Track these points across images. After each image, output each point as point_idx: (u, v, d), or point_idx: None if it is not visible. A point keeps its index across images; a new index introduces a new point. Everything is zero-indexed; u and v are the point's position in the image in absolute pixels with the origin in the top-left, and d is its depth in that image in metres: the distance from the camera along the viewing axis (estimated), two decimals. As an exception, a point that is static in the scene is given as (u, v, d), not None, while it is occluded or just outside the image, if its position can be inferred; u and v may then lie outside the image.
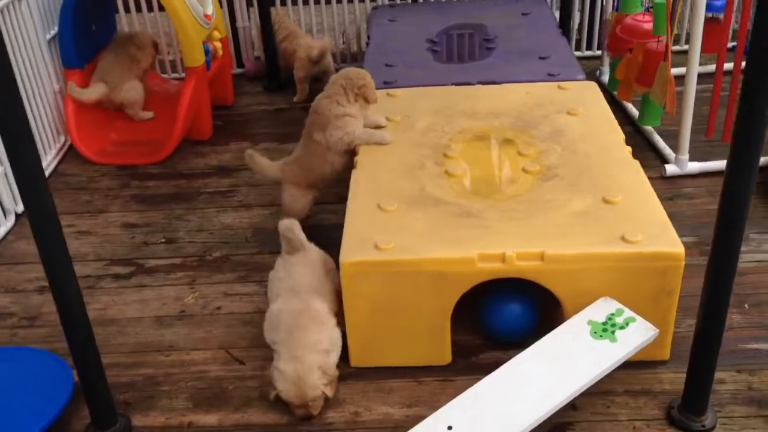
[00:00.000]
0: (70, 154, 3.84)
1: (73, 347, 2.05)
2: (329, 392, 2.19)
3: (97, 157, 3.75)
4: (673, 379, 2.25)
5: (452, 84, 3.37)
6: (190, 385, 2.39)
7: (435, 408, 2.18)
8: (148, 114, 3.95)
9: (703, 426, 2.09)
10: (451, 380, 2.35)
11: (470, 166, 2.72)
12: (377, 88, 3.29)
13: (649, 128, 3.63)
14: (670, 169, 3.36)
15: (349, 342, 2.35)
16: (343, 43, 4.65)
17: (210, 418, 2.27)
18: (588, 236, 2.26)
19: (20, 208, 3.32)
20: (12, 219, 3.27)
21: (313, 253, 2.47)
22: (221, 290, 2.81)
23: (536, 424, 1.95)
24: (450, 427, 1.97)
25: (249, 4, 4.48)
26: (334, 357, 2.25)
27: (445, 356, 2.38)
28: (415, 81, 3.41)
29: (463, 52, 3.88)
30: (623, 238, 2.21)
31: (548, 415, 1.96)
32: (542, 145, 2.81)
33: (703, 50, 3.22)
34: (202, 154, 3.80)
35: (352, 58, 4.63)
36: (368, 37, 4.01)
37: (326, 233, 2.78)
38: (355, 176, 2.67)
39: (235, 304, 2.73)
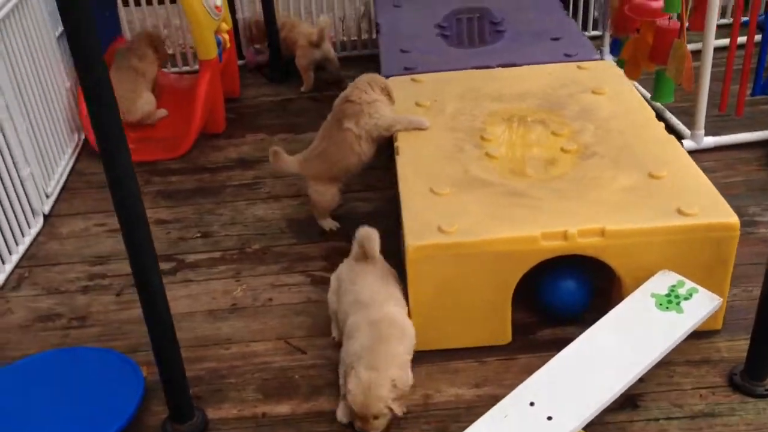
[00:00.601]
0: (85, 151, 3.80)
1: (155, 340, 2.06)
2: (397, 409, 2.12)
3: (114, 154, 3.70)
4: (730, 347, 2.34)
5: (472, 68, 3.40)
6: (257, 377, 2.41)
7: (503, 387, 2.25)
8: (162, 112, 3.91)
9: (767, 390, 2.17)
10: (514, 359, 2.40)
11: (508, 148, 2.77)
12: (398, 75, 3.34)
13: (659, 105, 3.72)
14: (687, 144, 3.45)
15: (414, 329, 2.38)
16: (343, 30, 4.64)
17: (282, 408, 2.29)
18: (643, 211, 2.33)
19: (47, 208, 3.29)
20: (41, 220, 3.24)
21: (380, 260, 2.42)
22: (268, 282, 2.83)
23: (616, 397, 2.01)
24: (532, 403, 2.03)
25: (251, -6, 4.45)
26: (410, 374, 2.19)
27: (505, 335, 2.44)
28: (435, 66, 3.44)
29: (474, 36, 3.93)
30: (679, 211, 2.28)
31: (627, 387, 2.02)
32: (574, 124, 2.87)
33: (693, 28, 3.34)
34: (219, 147, 3.79)
35: (352, 46, 4.63)
36: (377, 24, 4.02)
37: (360, 222, 2.82)
38: (401, 162, 2.70)
39: (284, 295, 2.75)
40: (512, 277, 2.32)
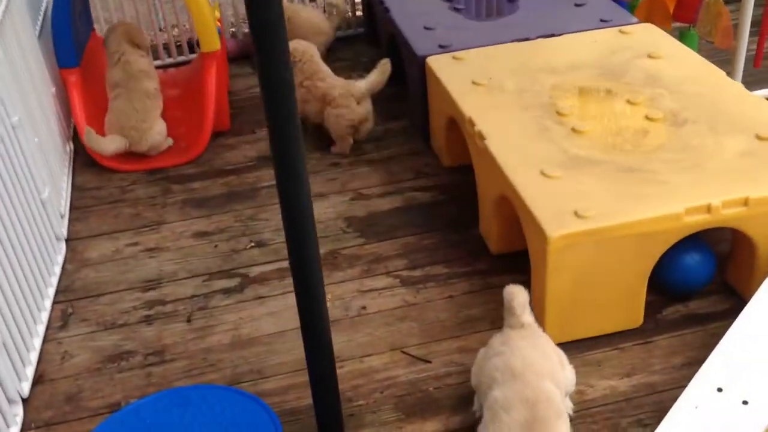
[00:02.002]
0: (78, 162, 3.40)
1: (315, 378, 1.81)
2: None
3: (118, 163, 3.34)
4: None
5: (511, 41, 3.24)
6: (387, 395, 2.19)
7: (655, 373, 2.14)
8: (169, 141, 3.43)
9: None
10: (652, 341, 2.29)
11: (591, 121, 2.64)
12: (435, 53, 3.14)
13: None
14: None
15: (547, 321, 2.23)
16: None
17: (432, 426, 2.09)
18: (773, 176, 2.24)
19: (64, 231, 2.91)
20: (63, 246, 2.85)
21: (542, 334, 2.03)
22: (353, 288, 2.59)
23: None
24: (720, 389, 1.91)
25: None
26: None
27: (638, 318, 2.32)
28: (470, 42, 3.26)
29: (491, 7, 3.74)
30: (814, 173, 2.21)
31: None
32: (646, 91, 2.77)
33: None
34: (231, 146, 3.48)
35: (346, 25, 4.37)
36: (382, 2, 3.78)
37: (384, 221, 2.64)
38: (493, 147, 2.52)
39: (377, 302, 2.53)
40: (652, 257, 2.20)
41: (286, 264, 2.68)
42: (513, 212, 2.53)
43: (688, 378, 2.11)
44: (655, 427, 1.82)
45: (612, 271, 2.19)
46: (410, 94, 3.44)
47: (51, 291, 2.62)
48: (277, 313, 2.51)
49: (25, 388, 2.23)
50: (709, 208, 2.15)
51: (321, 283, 1.78)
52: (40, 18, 3.39)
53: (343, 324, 2.45)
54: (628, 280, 2.22)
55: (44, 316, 2.51)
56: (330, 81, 3.30)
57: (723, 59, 3.37)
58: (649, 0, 3.68)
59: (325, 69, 3.36)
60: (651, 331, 2.32)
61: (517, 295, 1.98)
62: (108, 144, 3.22)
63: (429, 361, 2.28)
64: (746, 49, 3.29)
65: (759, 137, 2.42)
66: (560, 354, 2.00)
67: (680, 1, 3.50)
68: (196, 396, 2.04)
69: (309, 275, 1.74)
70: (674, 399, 2.00)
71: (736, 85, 2.74)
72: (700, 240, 2.32)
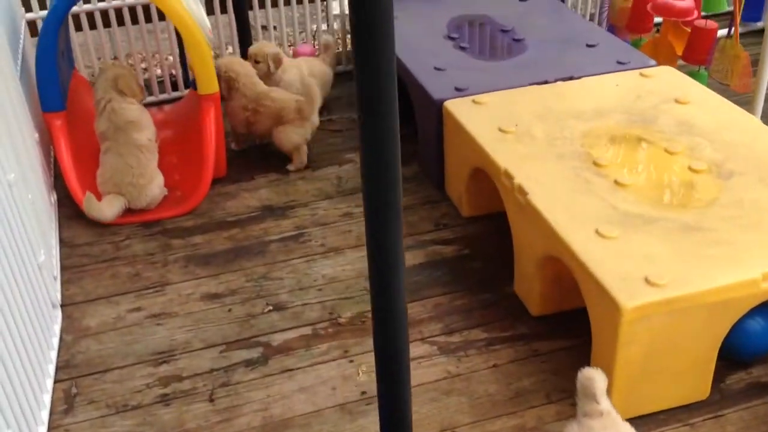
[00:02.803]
0: (62, 214, 3.12)
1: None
2: None
3: (109, 216, 3.06)
4: None
5: (529, 84, 3.11)
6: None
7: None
8: (164, 191, 3.17)
9: None
10: (722, 415, 2.15)
11: (631, 173, 2.51)
12: (453, 97, 2.99)
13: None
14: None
15: (614, 396, 2.06)
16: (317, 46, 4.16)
17: None
18: (844, 233, 2.13)
19: (58, 295, 2.64)
20: (59, 313, 2.58)
21: (622, 422, 1.84)
22: (388, 357, 2.38)
23: None
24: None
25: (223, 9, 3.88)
26: None
27: (705, 390, 2.17)
28: (487, 85, 3.10)
29: (496, 46, 3.61)
30: None
31: None
32: (682, 139, 2.66)
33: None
34: (230, 194, 3.25)
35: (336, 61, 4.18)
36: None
37: (409, 279, 2.46)
38: (537, 202, 2.36)
39: (418, 372, 2.33)
40: (724, 326, 2.06)
41: (308, 330, 2.50)
42: (559, 272, 2.38)
43: (769, 456, 1.98)
44: None
45: (683, 341, 2.05)
46: (422, 139, 3.28)
47: (51, 368, 2.35)
48: (309, 388, 2.29)
49: (33, 488, 1.95)
50: (786, 272, 2.02)
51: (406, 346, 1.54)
52: (19, 58, 3.11)
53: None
54: (699, 349, 2.08)
55: (47, 399, 2.23)
56: (280, 97, 3.29)
57: (736, 99, 3.30)
58: (655, 40, 3.61)
59: (267, 88, 3.33)
60: (718, 404, 2.18)
61: (596, 380, 1.80)
62: (107, 209, 2.97)
63: (497, 440, 2.09)
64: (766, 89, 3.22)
65: (816, 190, 2.31)
66: None
67: (691, 42, 3.43)
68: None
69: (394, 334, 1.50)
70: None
71: (776, 131, 2.64)
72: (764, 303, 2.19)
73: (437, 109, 3.02)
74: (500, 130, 2.76)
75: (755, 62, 3.27)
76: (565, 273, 2.33)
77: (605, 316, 2.02)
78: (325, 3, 4.04)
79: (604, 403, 1.81)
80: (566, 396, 2.22)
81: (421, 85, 3.15)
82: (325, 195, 3.18)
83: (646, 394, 2.11)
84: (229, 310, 2.61)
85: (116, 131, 3.03)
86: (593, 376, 1.80)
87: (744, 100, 3.26)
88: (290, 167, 3.33)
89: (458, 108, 2.94)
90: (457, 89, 3.08)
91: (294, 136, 3.28)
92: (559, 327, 2.44)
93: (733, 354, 2.25)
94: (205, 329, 2.53)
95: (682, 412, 2.15)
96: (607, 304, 1.99)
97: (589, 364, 2.15)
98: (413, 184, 3.24)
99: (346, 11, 4.05)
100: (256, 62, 3.46)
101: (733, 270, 2.03)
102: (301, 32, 4.40)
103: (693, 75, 3.41)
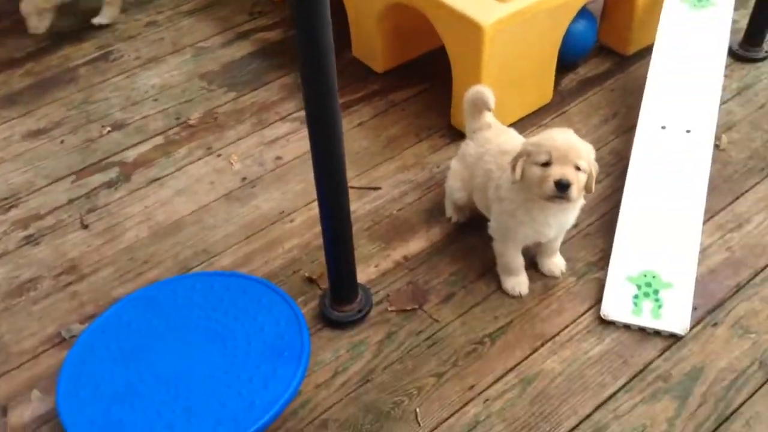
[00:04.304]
0: None
1: (331, 219, 1.63)
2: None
3: None
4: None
5: None
6: (356, 230, 2.02)
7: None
8: None
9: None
10: (566, 111, 2.39)
11: None
12: None
13: None
14: None
15: (481, 114, 2.19)
16: None
17: (416, 244, 2.02)
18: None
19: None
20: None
21: (509, 129, 1.94)
22: (255, 142, 2.34)
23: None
24: (663, 126, 2.07)
25: None
26: None
27: (549, 94, 2.40)
28: None
29: None
30: None
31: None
32: None
33: None
34: (5, 31, 2.86)
35: None
36: None
37: (246, 69, 2.37)
38: None
39: (289, 149, 2.32)
40: (562, 26, 2.25)
41: (161, 140, 2.38)
42: (398, 25, 2.41)
43: (612, 131, 2.27)
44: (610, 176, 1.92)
45: (531, 49, 2.20)
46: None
47: None
48: (186, 189, 2.20)
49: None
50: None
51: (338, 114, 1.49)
52: None
53: (267, 179, 2.22)
54: (543, 55, 2.25)
55: None
56: None
57: None
58: None
59: None
60: (560, 103, 2.40)
61: (485, 92, 1.89)
62: None
63: (379, 188, 2.16)
64: None
65: None
66: None
67: None
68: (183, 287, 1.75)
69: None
70: (612, 150, 2.14)
71: None
72: (585, 9, 2.39)
73: None
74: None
75: None
76: (403, 24, 2.38)
77: (467, 41, 2.09)
78: None
79: (490, 116, 1.93)
80: (433, 131, 2.33)
81: None
82: (121, 8, 2.89)
83: (507, 106, 2.25)
84: (62, 142, 2.38)
85: None
86: (482, 89, 1.89)
87: None
88: (96, 20, 2.81)
89: None
90: None
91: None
92: (406, 77, 2.51)
93: (565, 59, 2.46)
94: (43, 166, 2.29)
95: (536, 116, 2.35)
96: (468, 27, 2.06)
97: (440, 104, 2.29)
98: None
99: None
100: None
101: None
102: None
103: None
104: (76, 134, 2.40)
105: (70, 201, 2.18)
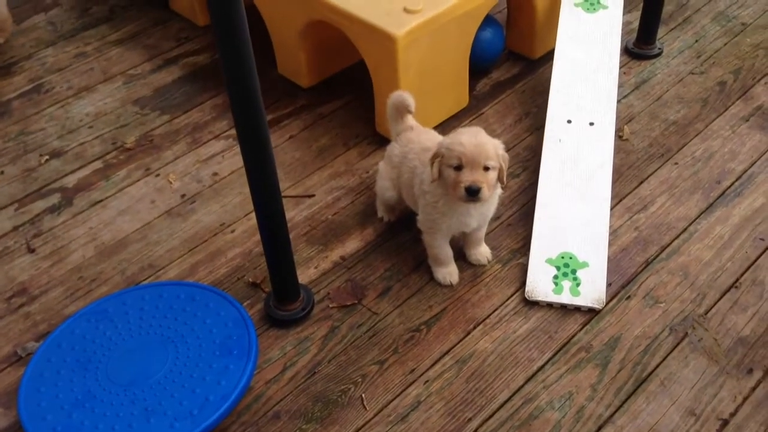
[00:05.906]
0: None
1: (268, 226, 1.74)
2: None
3: None
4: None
5: None
6: (294, 236, 2.17)
7: (499, 135, 2.43)
8: None
9: (660, 49, 2.72)
10: (482, 113, 2.55)
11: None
12: None
13: None
14: None
15: (404, 120, 2.34)
16: None
17: (352, 244, 2.15)
18: None
19: None
20: None
21: (429, 129, 2.13)
22: (191, 161, 2.45)
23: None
24: (569, 120, 2.26)
25: None
26: None
27: (465, 99, 2.56)
28: None
29: None
30: None
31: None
32: None
33: None
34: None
35: None
36: None
37: (178, 92, 2.45)
38: None
39: (225, 165, 2.42)
40: (470, 34, 2.41)
41: (99, 164, 2.47)
42: (320, 40, 2.55)
43: (526, 129, 2.45)
44: (527, 170, 2.10)
45: (443, 57, 2.36)
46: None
47: None
48: (128, 209, 2.29)
49: None
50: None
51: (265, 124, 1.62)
52: None
53: (206, 194, 2.33)
54: (456, 62, 2.42)
55: None
56: None
57: None
58: None
59: None
60: (476, 106, 2.58)
61: (406, 96, 2.05)
62: None
63: (313, 195, 2.29)
64: None
65: None
66: None
67: None
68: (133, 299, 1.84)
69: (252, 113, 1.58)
70: (527, 147, 2.32)
71: None
72: (492, 18, 2.58)
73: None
74: None
75: None
76: (324, 40, 2.52)
77: (382, 52, 2.25)
78: None
79: (411, 118, 2.09)
80: (360, 139, 2.48)
81: None
82: (46, 43, 2.97)
83: (427, 111, 2.41)
84: (2, 173, 2.44)
85: None
86: (403, 94, 2.05)
87: None
88: None
89: None
90: None
91: None
92: (331, 90, 2.65)
93: (477, 65, 2.64)
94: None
95: (455, 119, 2.52)
96: (382, 39, 2.22)
97: (365, 114, 2.45)
98: (134, 9, 3.14)
99: None
100: None
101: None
102: None
103: None
104: (15, 164, 2.46)
105: (15, 228, 2.25)
